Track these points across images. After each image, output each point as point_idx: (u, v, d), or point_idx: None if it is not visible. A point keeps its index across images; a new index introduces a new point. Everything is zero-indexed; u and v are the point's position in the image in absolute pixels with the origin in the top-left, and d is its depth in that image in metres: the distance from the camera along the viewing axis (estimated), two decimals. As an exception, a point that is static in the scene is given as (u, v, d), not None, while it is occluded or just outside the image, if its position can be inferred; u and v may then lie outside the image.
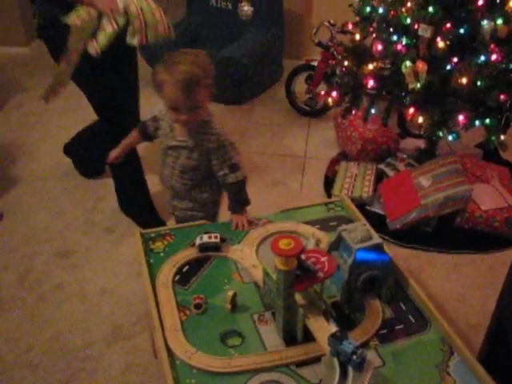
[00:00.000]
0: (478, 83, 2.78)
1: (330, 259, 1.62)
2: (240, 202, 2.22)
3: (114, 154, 2.39)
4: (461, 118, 2.87)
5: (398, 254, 1.87)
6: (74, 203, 3.44)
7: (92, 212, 3.35)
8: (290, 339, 1.65)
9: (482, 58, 2.77)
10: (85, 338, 2.52)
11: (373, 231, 1.79)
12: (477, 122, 2.91)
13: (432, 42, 2.79)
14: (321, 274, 1.57)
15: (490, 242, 3.11)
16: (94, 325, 2.59)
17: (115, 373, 2.35)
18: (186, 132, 2.15)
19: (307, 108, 4.37)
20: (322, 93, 3.67)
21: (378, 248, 1.74)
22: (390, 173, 3.45)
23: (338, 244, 1.79)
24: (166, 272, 1.88)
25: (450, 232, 3.15)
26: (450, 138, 2.95)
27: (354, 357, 1.42)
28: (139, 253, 1.98)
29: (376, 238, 1.75)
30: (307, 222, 2.13)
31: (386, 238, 2.99)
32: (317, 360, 1.59)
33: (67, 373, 2.37)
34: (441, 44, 2.77)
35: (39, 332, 2.56)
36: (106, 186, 3.47)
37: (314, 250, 1.71)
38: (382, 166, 3.53)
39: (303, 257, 1.59)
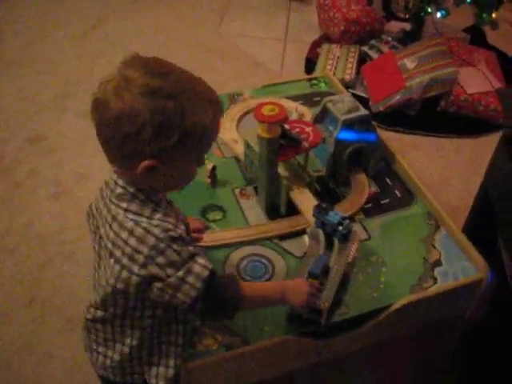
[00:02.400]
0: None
1: (314, 129, 1.54)
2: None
3: None
4: (451, -8, 2.73)
5: (381, 136, 1.79)
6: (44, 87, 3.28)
7: (64, 97, 3.21)
8: (272, 213, 1.59)
9: None
10: (61, 222, 2.46)
11: (359, 104, 1.70)
12: (468, -3, 2.77)
13: None
14: (305, 144, 1.49)
15: (474, 127, 3.05)
16: (70, 209, 2.52)
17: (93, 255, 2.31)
18: None
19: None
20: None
21: (364, 120, 1.66)
22: (374, 55, 3.32)
23: (323, 116, 1.70)
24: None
25: (434, 115, 3.07)
26: (439, 14, 2.82)
27: (340, 227, 1.37)
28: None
29: (363, 110, 1.67)
30: (290, 97, 2.03)
31: (370, 120, 2.90)
32: (301, 233, 1.54)
33: (44, 257, 2.31)
34: None
35: (14, 217, 2.49)
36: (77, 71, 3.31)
37: (299, 121, 1.63)
38: (365, 49, 3.39)
39: (287, 126, 1.50)
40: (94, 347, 1.24)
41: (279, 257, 1.49)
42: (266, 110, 1.40)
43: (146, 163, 1.01)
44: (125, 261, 1.05)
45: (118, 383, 1.26)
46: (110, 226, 1.08)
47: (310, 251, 1.41)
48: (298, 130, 1.52)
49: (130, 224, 1.06)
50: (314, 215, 1.41)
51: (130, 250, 1.05)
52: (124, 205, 1.07)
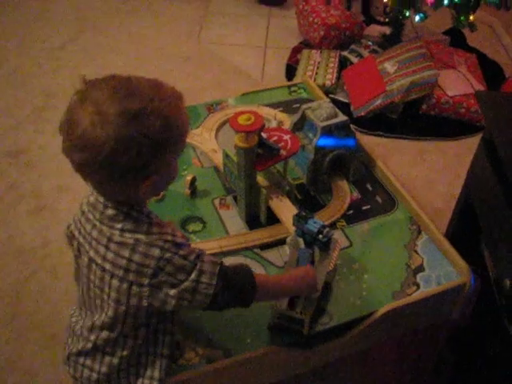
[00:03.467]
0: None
1: (293, 137, 1.52)
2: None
3: None
4: (429, -5, 2.74)
5: (363, 141, 1.78)
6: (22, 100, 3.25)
7: (43, 110, 3.18)
8: (253, 223, 1.58)
9: None
10: (42, 237, 2.43)
11: (337, 110, 1.69)
12: (445, 1, 2.77)
13: None
14: (283, 152, 1.47)
15: (456, 129, 3.06)
16: (52, 223, 2.49)
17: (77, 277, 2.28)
18: None
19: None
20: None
21: (343, 126, 1.65)
22: (354, 60, 3.32)
23: (301, 124, 1.69)
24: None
25: (415, 119, 3.08)
26: (417, 18, 2.82)
27: (320, 236, 1.35)
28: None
29: (341, 116, 1.66)
30: (269, 105, 2.02)
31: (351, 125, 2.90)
32: (282, 243, 1.53)
33: (26, 272, 2.29)
34: None
35: (-6, 233, 2.46)
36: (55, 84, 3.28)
37: (276, 128, 1.61)
38: (345, 53, 3.40)
39: (264, 135, 1.49)
40: (81, 361, 1.21)
41: (260, 266, 1.47)
42: (242, 120, 1.39)
43: (149, 181, 1.03)
44: (132, 277, 1.06)
45: None
46: (106, 247, 1.08)
47: (290, 261, 1.40)
48: (275, 138, 1.51)
49: (130, 241, 1.06)
50: (293, 224, 1.40)
51: (136, 266, 1.05)
52: (119, 226, 1.07)
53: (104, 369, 1.18)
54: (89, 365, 1.19)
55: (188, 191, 1.64)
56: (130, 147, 0.97)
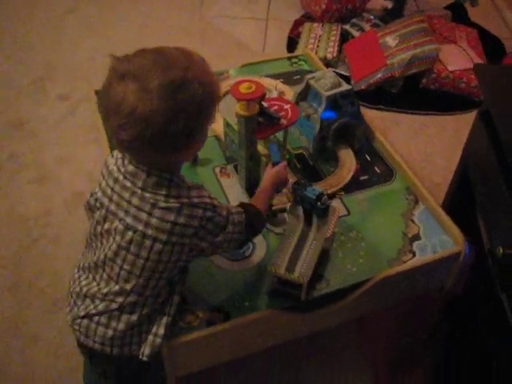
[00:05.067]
0: None
1: (293, 106, 1.54)
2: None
3: None
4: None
5: (363, 115, 1.80)
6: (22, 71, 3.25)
7: (44, 80, 3.18)
8: (253, 191, 1.59)
9: None
10: (44, 205, 2.45)
11: (341, 79, 1.71)
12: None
13: None
14: (284, 121, 1.49)
15: (456, 104, 3.07)
16: (53, 193, 2.51)
17: (81, 237, 2.30)
18: None
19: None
20: None
21: (348, 95, 1.67)
22: (356, 33, 3.31)
23: (305, 94, 1.71)
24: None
25: (416, 93, 3.08)
26: (419, -9, 2.81)
27: (319, 203, 1.38)
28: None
29: (345, 85, 1.68)
30: (270, 76, 2.03)
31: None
32: (281, 211, 1.55)
33: (28, 239, 2.31)
34: None
35: (-4, 202, 2.48)
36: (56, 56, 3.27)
37: (277, 98, 1.63)
38: (347, 27, 3.38)
39: (265, 104, 1.50)
40: (95, 319, 1.22)
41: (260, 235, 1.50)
42: (243, 88, 1.40)
43: (194, 146, 1.13)
44: (175, 238, 1.12)
45: (110, 357, 1.25)
46: (149, 213, 1.11)
47: (289, 228, 1.42)
48: (276, 107, 1.53)
49: (175, 205, 1.11)
50: (292, 192, 1.42)
51: (180, 228, 1.12)
52: (163, 192, 1.12)
53: (121, 326, 1.21)
54: (104, 322, 1.21)
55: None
56: (179, 117, 1.01)
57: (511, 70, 2.12)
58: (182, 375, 1.36)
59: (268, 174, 1.42)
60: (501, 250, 1.38)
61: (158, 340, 1.23)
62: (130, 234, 1.13)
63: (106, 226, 1.18)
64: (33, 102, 3.02)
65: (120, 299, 1.19)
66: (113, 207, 1.16)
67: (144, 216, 1.12)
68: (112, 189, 1.17)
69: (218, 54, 3.32)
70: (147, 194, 1.11)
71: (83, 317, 1.23)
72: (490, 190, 1.58)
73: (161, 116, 1.00)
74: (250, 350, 1.44)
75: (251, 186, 1.60)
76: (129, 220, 1.13)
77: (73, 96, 3.04)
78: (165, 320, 1.24)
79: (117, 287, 1.19)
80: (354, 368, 1.92)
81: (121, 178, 1.15)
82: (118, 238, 1.16)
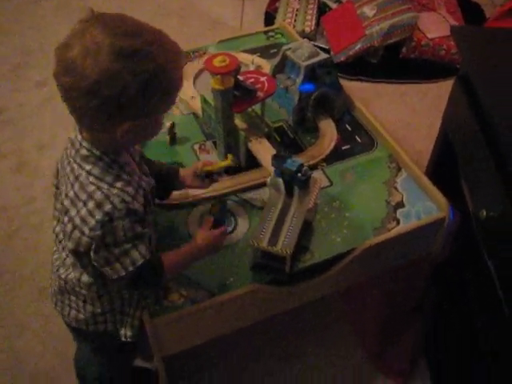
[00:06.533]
0: None
1: (269, 78, 1.52)
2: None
3: None
4: None
5: (343, 87, 1.77)
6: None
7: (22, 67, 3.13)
8: (233, 167, 1.58)
9: None
10: (26, 194, 2.42)
11: (318, 49, 1.68)
12: None
13: None
14: (260, 94, 1.47)
15: (436, 71, 3.05)
16: (34, 180, 2.48)
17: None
18: None
19: None
20: None
21: (326, 64, 1.64)
22: (333, 5, 3.28)
23: (282, 66, 1.69)
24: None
25: (396, 62, 3.06)
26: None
27: (299, 175, 1.36)
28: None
29: (323, 54, 1.65)
30: (246, 51, 2.00)
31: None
32: (263, 185, 1.53)
33: (10, 229, 2.29)
34: None
35: (-24, 192, 2.45)
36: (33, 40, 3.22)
37: (253, 71, 1.61)
38: (324, -1, 3.35)
39: (241, 78, 1.48)
40: (67, 302, 1.27)
41: (241, 209, 1.48)
42: (216, 62, 1.38)
43: (127, 125, 1.01)
44: (77, 221, 1.05)
45: (90, 333, 1.29)
46: (72, 185, 1.07)
47: (270, 201, 1.40)
48: (252, 80, 1.51)
49: (91, 187, 1.05)
50: (272, 165, 1.40)
51: (85, 212, 1.04)
52: (88, 167, 1.07)
53: (89, 309, 1.25)
54: (74, 306, 1.27)
55: (168, 137, 1.64)
56: (115, 83, 0.96)
57: (488, 31, 2.11)
58: (168, 355, 1.35)
59: (202, 235, 1.26)
60: (484, 213, 1.37)
61: (136, 322, 1.24)
62: (61, 200, 1.11)
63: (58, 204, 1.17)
64: (10, 90, 2.98)
65: (78, 288, 1.22)
66: (61, 174, 1.14)
67: (69, 186, 1.09)
68: (62, 164, 1.15)
69: (195, 34, 3.29)
70: (75, 165, 1.08)
71: (58, 295, 1.28)
72: (472, 154, 1.57)
73: (96, 74, 0.94)
74: (236, 327, 1.43)
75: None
76: (62, 188, 1.11)
77: (51, 82, 2.97)
78: (140, 301, 1.25)
79: (72, 275, 1.21)
80: (343, 339, 1.92)
81: (68, 145, 1.12)
82: (58, 205, 1.16)
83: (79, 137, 1.08)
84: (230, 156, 1.42)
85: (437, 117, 2.66)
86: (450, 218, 1.50)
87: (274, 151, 1.54)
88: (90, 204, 1.04)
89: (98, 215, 1.03)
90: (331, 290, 1.51)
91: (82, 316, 1.26)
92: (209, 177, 1.42)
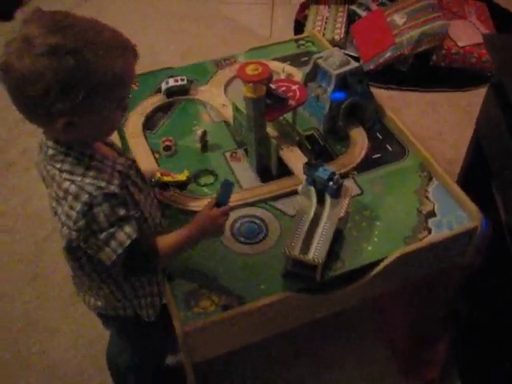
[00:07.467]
0: None
1: (301, 87, 1.52)
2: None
3: None
4: None
5: (373, 94, 1.77)
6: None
7: None
8: (264, 174, 1.59)
9: None
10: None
11: (349, 58, 1.68)
12: None
13: None
14: (292, 102, 1.48)
15: (467, 79, 3.03)
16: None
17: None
18: None
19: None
20: None
21: (357, 72, 1.64)
22: (363, 13, 3.29)
23: (314, 74, 1.69)
24: (135, 121, 1.76)
25: (426, 70, 3.05)
26: (426, -33, 2.77)
27: (331, 183, 1.37)
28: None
29: (354, 63, 1.65)
30: (277, 59, 2.01)
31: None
32: (294, 193, 1.54)
33: (43, 233, 2.33)
34: None
35: (10, 198, 2.50)
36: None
37: (285, 79, 1.61)
38: (353, 7, 3.36)
39: (273, 86, 1.49)
40: (84, 290, 1.36)
41: (272, 217, 1.49)
42: (249, 70, 1.39)
43: (62, 121, 1.02)
44: (63, 219, 1.09)
45: (113, 317, 1.36)
46: (52, 186, 1.11)
47: (302, 209, 1.41)
48: (283, 88, 1.51)
49: (66, 183, 1.07)
50: (304, 173, 1.41)
51: (67, 208, 1.07)
52: (58, 165, 1.09)
53: (103, 299, 1.33)
54: (91, 294, 1.35)
55: (199, 145, 1.65)
56: (37, 81, 0.97)
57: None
58: (198, 361, 1.35)
59: (201, 214, 1.26)
60: (518, 223, 1.36)
61: (156, 299, 1.32)
62: (54, 216, 1.14)
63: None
64: None
65: (84, 279, 1.29)
66: (45, 175, 1.16)
67: (52, 187, 1.11)
68: (39, 168, 1.18)
69: (223, 41, 3.30)
70: (49, 167, 1.11)
71: (78, 284, 1.37)
72: (505, 163, 1.56)
73: (20, 71, 0.97)
74: (266, 334, 1.43)
75: (262, 170, 1.59)
76: (49, 189, 1.14)
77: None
78: (154, 279, 1.31)
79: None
80: (372, 348, 1.91)
81: (41, 155, 1.15)
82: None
83: (44, 138, 1.12)
84: (186, 172, 1.45)
85: (467, 126, 2.65)
86: (482, 227, 1.48)
87: (305, 159, 1.54)
88: (69, 199, 1.06)
89: (78, 207, 1.05)
90: (362, 298, 1.50)
91: (99, 303, 1.33)
92: (162, 187, 1.45)
